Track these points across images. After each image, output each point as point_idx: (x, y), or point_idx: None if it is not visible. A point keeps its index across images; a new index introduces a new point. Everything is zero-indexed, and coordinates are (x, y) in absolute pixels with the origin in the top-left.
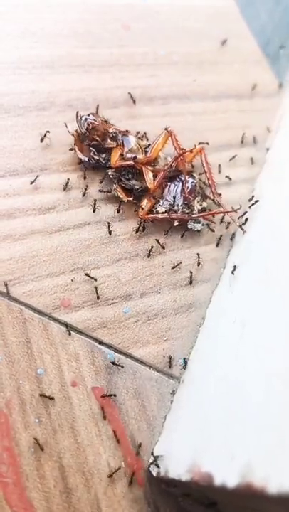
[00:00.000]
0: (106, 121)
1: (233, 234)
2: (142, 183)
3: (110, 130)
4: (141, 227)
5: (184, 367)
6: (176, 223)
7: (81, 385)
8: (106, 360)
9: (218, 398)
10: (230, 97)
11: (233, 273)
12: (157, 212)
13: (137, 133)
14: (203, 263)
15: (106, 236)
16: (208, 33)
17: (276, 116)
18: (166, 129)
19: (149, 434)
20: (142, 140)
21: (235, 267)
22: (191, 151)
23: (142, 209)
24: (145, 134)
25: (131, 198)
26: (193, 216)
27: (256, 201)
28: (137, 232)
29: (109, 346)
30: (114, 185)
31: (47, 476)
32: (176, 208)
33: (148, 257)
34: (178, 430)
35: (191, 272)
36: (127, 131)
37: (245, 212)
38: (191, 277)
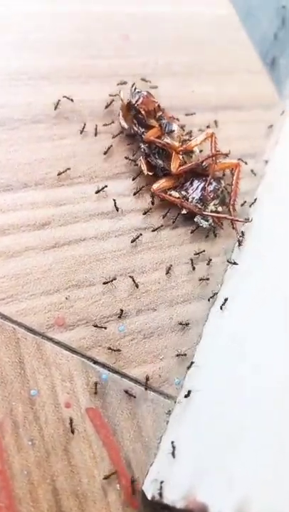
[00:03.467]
0: (158, 106)
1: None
2: (167, 166)
3: (158, 113)
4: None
5: (180, 387)
6: (184, 211)
7: (75, 406)
8: (100, 380)
9: (215, 422)
10: (229, 109)
11: (221, 308)
12: (170, 195)
13: (182, 126)
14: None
15: (102, 252)
16: (209, 42)
17: (275, 128)
18: (207, 127)
19: (144, 455)
20: (183, 131)
21: (226, 300)
22: (226, 155)
23: (157, 185)
24: (191, 132)
25: (151, 173)
26: (204, 213)
27: (249, 220)
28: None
29: (104, 366)
30: (141, 157)
31: (40, 499)
32: (190, 198)
33: (144, 273)
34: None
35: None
36: (173, 117)
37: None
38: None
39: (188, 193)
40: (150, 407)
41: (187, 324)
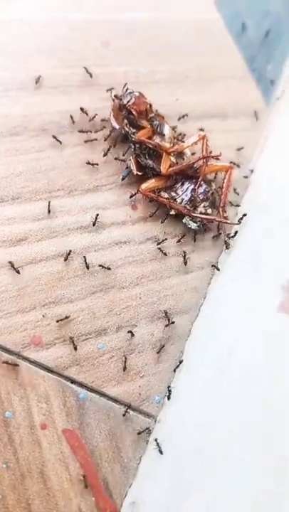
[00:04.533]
0: (150, 106)
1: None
2: (157, 167)
3: (150, 113)
4: (134, 197)
5: (161, 405)
6: (172, 212)
7: (51, 427)
8: (78, 400)
9: (195, 446)
10: (214, 117)
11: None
12: (159, 196)
13: (174, 127)
14: (183, 293)
15: (80, 267)
16: (193, 48)
17: (261, 137)
18: (201, 129)
19: (123, 476)
20: (175, 132)
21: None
22: (217, 158)
23: (146, 185)
24: (181, 133)
25: (140, 173)
26: (192, 214)
27: (233, 235)
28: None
29: (81, 385)
30: (132, 157)
31: None
32: (178, 200)
33: (124, 288)
34: (153, 476)
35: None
36: (163, 118)
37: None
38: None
39: (177, 194)
40: (130, 427)
41: (169, 340)
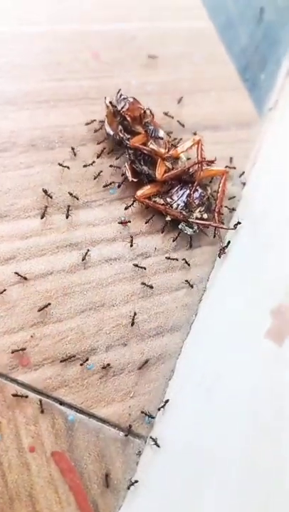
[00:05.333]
0: (145, 112)
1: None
2: (152, 173)
3: (145, 119)
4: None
5: (151, 426)
6: (168, 218)
7: (40, 450)
8: (67, 422)
9: (183, 467)
10: (206, 129)
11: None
12: (155, 202)
13: (169, 133)
14: (174, 310)
15: (70, 285)
16: (185, 58)
17: (254, 148)
18: (194, 133)
19: (112, 498)
20: (170, 137)
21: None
22: (212, 162)
23: (141, 192)
24: (176, 139)
25: (136, 180)
26: (189, 219)
27: (227, 245)
28: (126, 208)
29: (70, 406)
30: (126, 164)
31: None
32: (174, 205)
33: (114, 306)
34: (142, 498)
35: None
36: (159, 126)
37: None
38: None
39: (173, 200)
40: (119, 448)
41: (159, 359)
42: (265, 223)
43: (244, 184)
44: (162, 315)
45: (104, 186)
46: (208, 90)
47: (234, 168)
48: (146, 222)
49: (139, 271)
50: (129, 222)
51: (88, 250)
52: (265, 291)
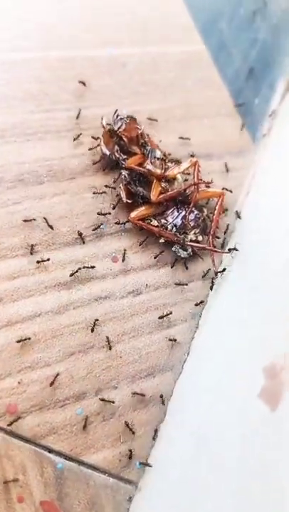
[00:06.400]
0: (142, 133)
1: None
2: (148, 194)
3: (142, 140)
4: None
5: (143, 471)
6: (162, 240)
7: (28, 500)
8: (56, 470)
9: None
10: (199, 158)
11: None
12: (149, 223)
13: (166, 154)
14: (166, 349)
15: (58, 327)
16: (177, 84)
17: (247, 177)
18: (192, 156)
19: None
20: (166, 158)
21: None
22: (208, 184)
23: (135, 213)
24: (172, 159)
25: (130, 201)
26: (182, 242)
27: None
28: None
29: (59, 454)
30: (121, 185)
31: None
32: (169, 227)
33: (104, 347)
34: None
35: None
36: (157, 146)
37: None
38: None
39: (167, 222)
40: (109, 495)
41: (151, 401)
42: (257, 263)
43: (238, 214)
44: (153, 355)
45: (93, 229)
46: (201, 117)
47: (230, 191)
48: (140, 245)
49: (129, 309)
50: (124, 259)
51: (77, 287)
52: (257, 346)
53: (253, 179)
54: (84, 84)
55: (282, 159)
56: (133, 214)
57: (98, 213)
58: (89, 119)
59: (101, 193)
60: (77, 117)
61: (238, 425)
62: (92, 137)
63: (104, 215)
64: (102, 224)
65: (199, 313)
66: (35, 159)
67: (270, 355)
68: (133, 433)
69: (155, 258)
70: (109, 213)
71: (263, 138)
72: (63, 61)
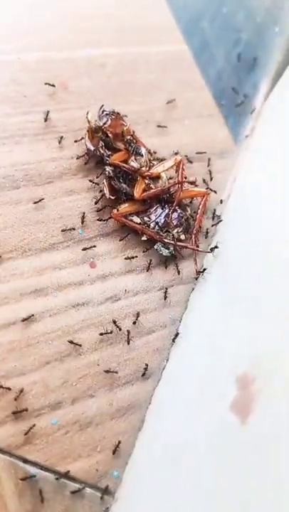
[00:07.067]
0: (128, 129)
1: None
2: (131, 191)
3: (127, 136)
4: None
5: (120, 480)
6: (144, 238)
7: (3, 511)
8: (31, 480)
9: None
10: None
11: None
12: (131, 221)
13: (151, 152)
14: (145, 356)
15: (34, 336)
16: (157, 85)
17: (229, 179)
18: (176, 153)
19: None
20: (151, 156)
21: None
22: (193, 183)
23: (118, 210)
24: (156, 157)
25: (113, 197)
26: (165, 240)
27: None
28: (96, 203)
29: (35, 464)
30: (105, 180)
31: None
32: (152, 225)
33: (81, 355)
34: None
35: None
36: (142, 144)
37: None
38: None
39: (150, 219)
40: (86, 506)
41: (129, 409)
42: (235, 275)
43: (219, 217)
44: (132, 362)
45: (62, 230)
46: (182, 119)
47: (215, 192)
48: (120, 240)
49: (107, 315)
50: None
51: (54, 294)
52: (231, 356)
53: (234, 181)
54: (53, 85)
55: (264, 161)
56: (116, 210)
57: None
58: (67, 121)
59: (97, 184)
60: (46, 120)
61: (210, 437)
62: (75, 140)
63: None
64: (78, 228)
65: (180, 318)
66: (12, 163)
67: (243, 363)
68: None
69: (126, 259)
70: (83, 217)
71: (246, 139)
72: (40, 63)
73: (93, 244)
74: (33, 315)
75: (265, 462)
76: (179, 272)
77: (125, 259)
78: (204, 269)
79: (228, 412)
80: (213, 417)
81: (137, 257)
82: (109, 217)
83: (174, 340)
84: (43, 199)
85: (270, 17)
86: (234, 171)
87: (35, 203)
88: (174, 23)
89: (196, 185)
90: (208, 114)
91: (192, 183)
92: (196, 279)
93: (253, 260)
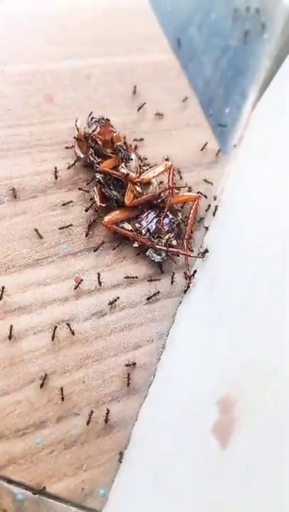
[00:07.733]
0: (117, 136)
1: None
2: (122, 198)
3: (118, 143)
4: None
5: (106, 498)
6: (135, 244)
7: None
8: (15, 501)
9: None
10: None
11: None
12: (123, 228)
13: (142, 158)
14: (131, 372)
15: (18, 354)
16: (145, 95)
17: (217, 189)
18: (166, 159)
19: None
20: (142, 162)
21: None
22: (179, 189)
23: (109, 218)
24: (150, 164)
25: (104, 205)
26: (156, 246)
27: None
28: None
29: (19, 484)
30: (95, 188)
31: None
32: (143, 231)
33: (66, 372)
34: None
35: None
36: (134, 148)
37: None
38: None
39: (142, 226)
40: None
41: (114, 426)
42: (220, 285)
43: (206, 228)
44: (118, 378)
45: (46, 246)
46: (170, 129)
47: (205, 196)
48: (113, 249)
49: (93, 331)
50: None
51: (38, 311)
52: (218, 372)
53: (222, 193)
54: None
55: (253, 169)
56: (107, 218)
57: (60, 228)
58: (52, 135)
59: (87, 191)
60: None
61: (193, 460)
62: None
63: (68, 227)
64: (63, 243)
65: (167, 331)
66: None
67: (225, 385)
68: None
69: (126, 278)
70: (71, 225)
71: (234, 148)
72: (26, 75)
73: (78, 259)
74: (17, 333)
75: (245, 489)
76: (172, 282)
77: (125, 278)
78: (195, 271)
79: (210, 435)
80: (194, 439)
81: (137, 277)
82: (90, 234)
83: (161, 354)
84: (27, 214)
85: (258, 24)
86: (222, 181)
87: (19, 217)
88: (161, 31)
89: (190, 190)
90: (196, 124)
91: (182, 188)
92: (188, 285)
93: (241, 275)
